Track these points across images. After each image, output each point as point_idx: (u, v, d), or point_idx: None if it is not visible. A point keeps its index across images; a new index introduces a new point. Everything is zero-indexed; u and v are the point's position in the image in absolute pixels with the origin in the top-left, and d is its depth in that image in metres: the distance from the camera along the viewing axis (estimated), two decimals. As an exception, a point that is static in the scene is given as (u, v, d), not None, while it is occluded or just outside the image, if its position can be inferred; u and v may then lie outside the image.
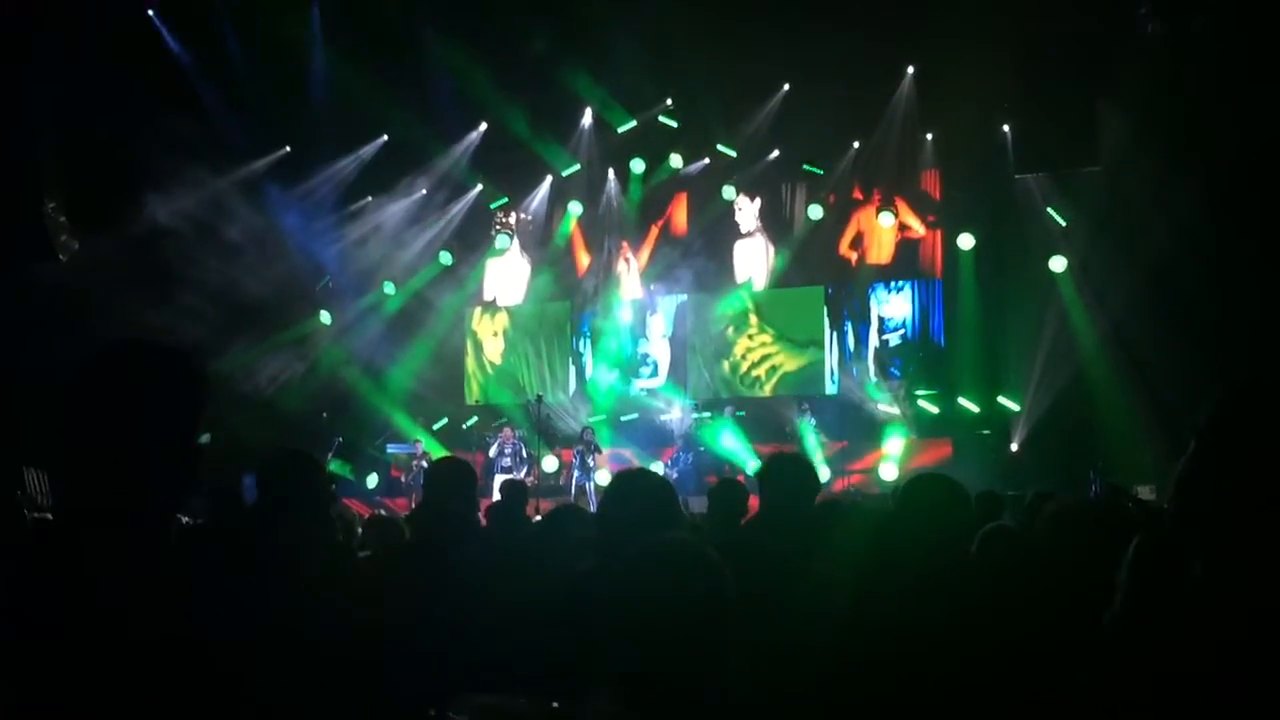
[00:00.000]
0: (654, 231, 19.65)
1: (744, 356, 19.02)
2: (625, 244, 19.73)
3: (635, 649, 1.85)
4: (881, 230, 18.30)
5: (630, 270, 19.69)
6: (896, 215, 18.14)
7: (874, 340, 18.36)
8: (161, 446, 1.86)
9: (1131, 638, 1.79)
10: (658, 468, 16.51)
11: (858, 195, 18.51)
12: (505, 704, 2.55)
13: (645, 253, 19.66)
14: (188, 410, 1.92)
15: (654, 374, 19.49)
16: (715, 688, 1.87)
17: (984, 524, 4.34)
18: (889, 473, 16.05)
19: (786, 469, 3.93)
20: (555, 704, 2.29)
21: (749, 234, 19.11)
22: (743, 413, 17.88)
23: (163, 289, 15.11)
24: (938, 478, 3.32)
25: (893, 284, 18.38)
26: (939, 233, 18.10)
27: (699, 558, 1.93)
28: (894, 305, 18.37)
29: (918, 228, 18.28)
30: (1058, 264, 16.34)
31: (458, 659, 3.30)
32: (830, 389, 18.44)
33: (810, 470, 3.98)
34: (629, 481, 3.28)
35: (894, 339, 18.28)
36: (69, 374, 1.87)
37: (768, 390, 18.76)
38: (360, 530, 6.02)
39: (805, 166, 18.41)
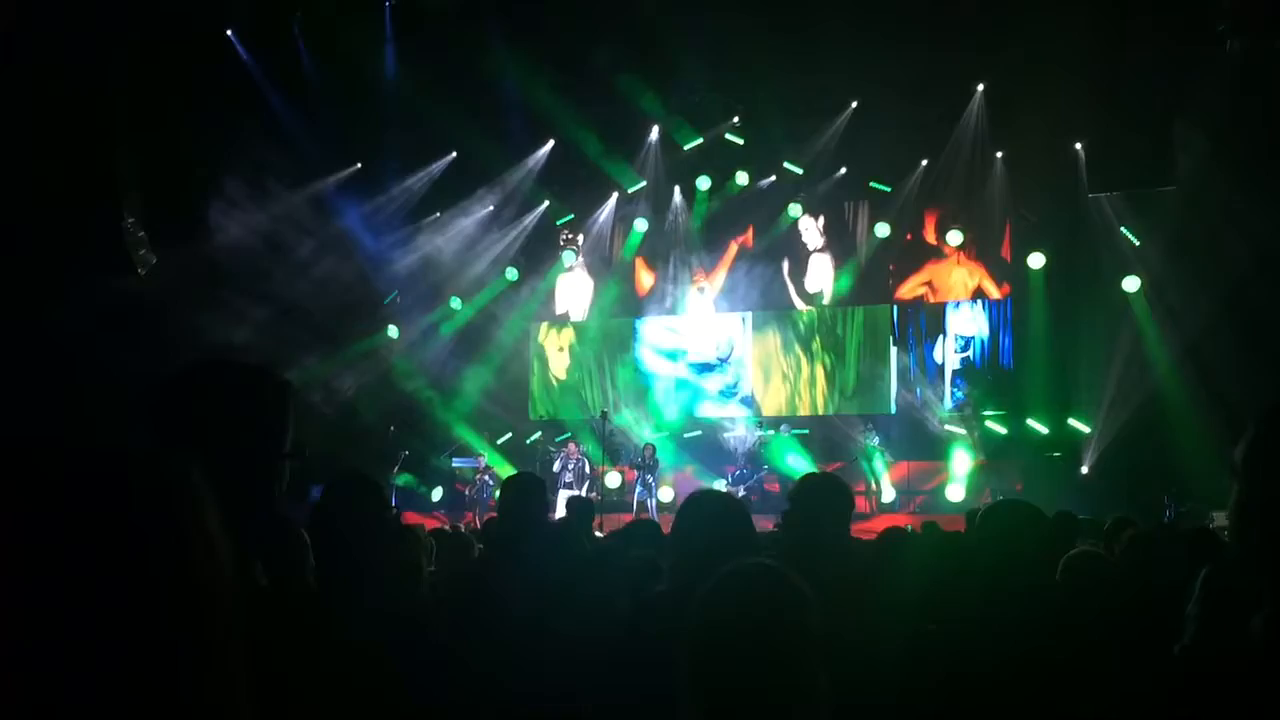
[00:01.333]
0: (733, 249, 19.54)
1: (807, 373, 18.89)
2: (701, 271, 19.67)
3: (722, 676, 1.82)
4: (949, 248, 18.10)
5: (704, 295, 19.63)
6: (965, 233, 17.91)
7: (946, 358, 18.10)
8: (237, 459, 1.87)
9: (1200, 673, 1.69)
10: (720, 485, 16.47)
11: (926, 213, 18.32)
12: None
13: (720, 275, 19.60)
14: (264, 425, 1.92)
15: (724, 395, 19.38)
16: (802, 714, 1.83)
17: (1060, 547, 4.26)
18: (955, 494, 15.86)
19: (817, 489, 3.75)
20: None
21: (816, 250, 18.99)
22: (805, 430, 17.76)
23: (233, 301, 15.36)
24: (1017, 504, 3.24)
25: (968, 301, 18.16)
26: (1008, 251, 17.87)
27: (784, 583, 1.89)
28: (969, 322, 18.11)
29: (985, 247, 18.06)
30: (1131, 284, 16.07)
31: (523, 685, 3.28)
32: (893, 408, 18.26)
33: (844, 491, 3.80)
34: (701, 503, 3.21)
35: (957, 361, 18.01)
36: (151, 384, 1.89)
37: (829, 408, 18.63)
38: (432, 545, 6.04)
39: (872, 184, 18.23)
